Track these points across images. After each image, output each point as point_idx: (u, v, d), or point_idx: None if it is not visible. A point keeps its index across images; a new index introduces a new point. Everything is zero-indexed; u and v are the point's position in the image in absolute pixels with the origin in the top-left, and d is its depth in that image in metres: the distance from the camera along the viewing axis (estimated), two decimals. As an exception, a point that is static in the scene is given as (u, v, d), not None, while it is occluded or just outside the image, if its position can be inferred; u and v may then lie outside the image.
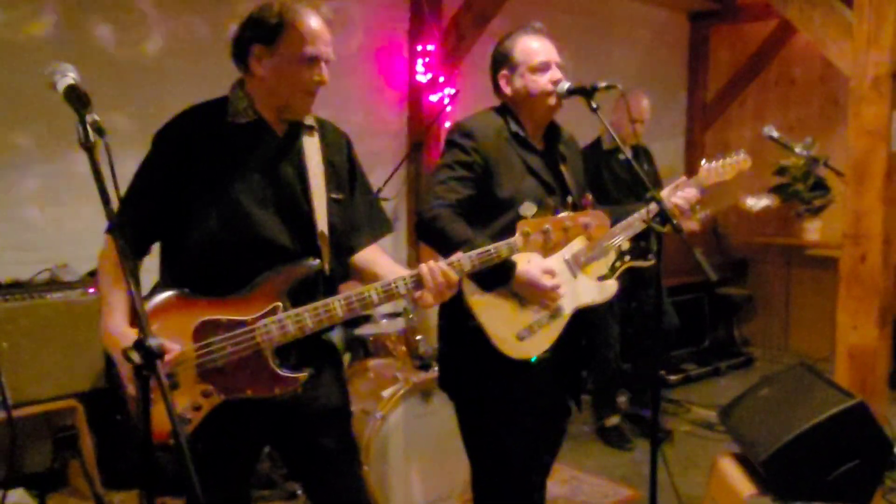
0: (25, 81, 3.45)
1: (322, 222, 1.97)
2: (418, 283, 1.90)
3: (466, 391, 2.47)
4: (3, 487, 3.07)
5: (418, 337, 3.66)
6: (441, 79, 4.86)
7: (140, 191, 1.91)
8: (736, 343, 6.27)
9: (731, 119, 6.79)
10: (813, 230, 5.99)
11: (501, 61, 2.46)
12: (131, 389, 1.79)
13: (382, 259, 2.11)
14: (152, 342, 1.42)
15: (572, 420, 2.72)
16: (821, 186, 5.83)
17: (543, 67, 2.39)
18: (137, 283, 1.43)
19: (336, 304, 1.87)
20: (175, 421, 1.43)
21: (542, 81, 2.38)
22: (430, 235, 2.29)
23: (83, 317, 3.24)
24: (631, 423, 4.54)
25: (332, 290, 1.97)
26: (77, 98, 1.50)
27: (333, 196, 2.01)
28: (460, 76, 4.93)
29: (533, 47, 2.41)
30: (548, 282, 2.27)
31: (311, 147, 2.00)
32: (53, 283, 3.30)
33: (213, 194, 1.89)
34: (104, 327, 1.84)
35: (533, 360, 2.33)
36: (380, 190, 4.30)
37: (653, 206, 2.41)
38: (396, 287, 1.90)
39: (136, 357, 1.43)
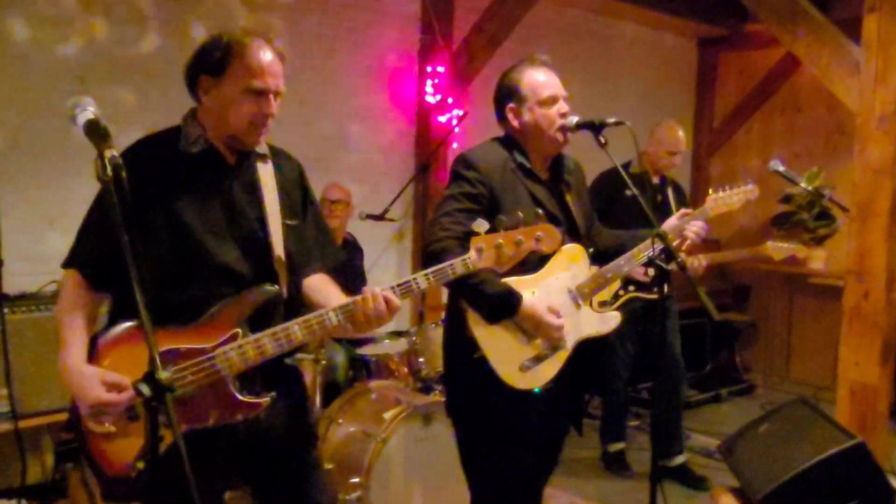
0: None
1: (279, 247, 1.98)
2: (349, 314, 1.91)
3: (470, 418, 2.48)
4: (4, 497, 3.08)
5: (420, 359, 3.67)
6: (450, 100, 4.88)
7: (97, 223, 1.91)
8: (737, 369, 6.26)
9: (738, 145, 6.81)
10: (816, 259, 6.00)
11: (508, 94, 2.46)
12: (92, 425, 1.79)
13: (327, 287, 2.10)
14: (163, 375, 1.43)
15: (574, 444, 2.71)
16: (826, 216, 5.85)
17: (551, 101, 2.41)
18: (149, 318, 1.44)
19: (295, 328, 1.88)
20: (182, 449, 1.46)
21: (552, 115, 2.40)
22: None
23: (89, 330, 3.26)
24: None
25: (290, 314, 1.97)
26: (97, 133, 1.50)
27: (288, 222, 2.03)
28: (469, 98, 4.96)
29: (540, 80, 2.42)
30: (552, 320, 2.28)
31: (265, 174, 2.02)
32: (61, 296, 3.32)
33: (167, 223, 1.89)
34: (62, 362, 1.82)
35: (536, 391, 2.35)
36: (386, 210, 4.31)
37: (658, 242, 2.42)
38: (328, 318, 1.90)
39: (146, 389, 1.44)
